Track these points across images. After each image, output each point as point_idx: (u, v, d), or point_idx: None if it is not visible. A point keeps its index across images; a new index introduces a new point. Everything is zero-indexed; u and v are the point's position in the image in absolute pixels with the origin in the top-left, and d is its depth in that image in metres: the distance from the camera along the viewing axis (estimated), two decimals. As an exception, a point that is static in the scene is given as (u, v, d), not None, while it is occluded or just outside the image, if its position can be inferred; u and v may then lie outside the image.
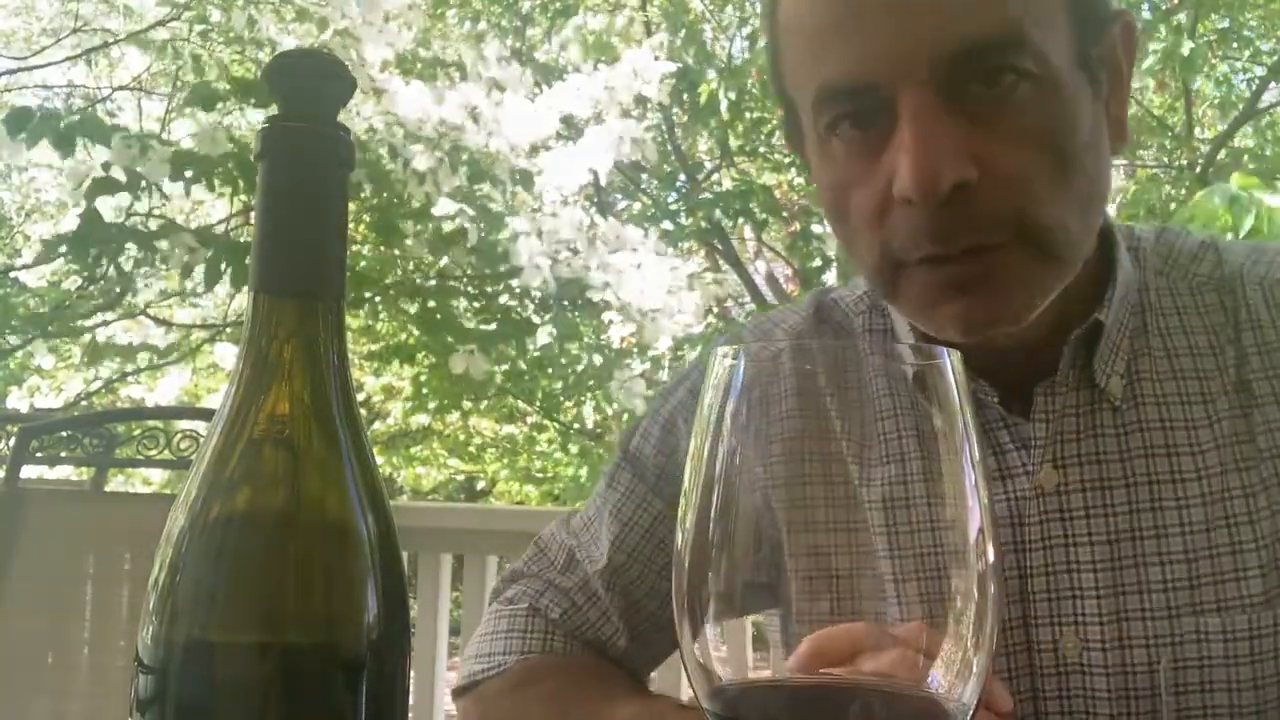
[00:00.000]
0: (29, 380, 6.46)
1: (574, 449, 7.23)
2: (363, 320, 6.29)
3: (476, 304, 5.50)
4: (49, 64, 6.64)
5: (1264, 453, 0.79)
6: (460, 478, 8.25)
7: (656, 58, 5.28)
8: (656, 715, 0.81)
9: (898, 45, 0.70)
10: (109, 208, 4.37)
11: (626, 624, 0.98)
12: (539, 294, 5.23)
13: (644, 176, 7.05)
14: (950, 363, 0.46)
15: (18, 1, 7.30)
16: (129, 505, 2.22)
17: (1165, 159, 6.95)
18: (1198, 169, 6.23)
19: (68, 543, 1.86)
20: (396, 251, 5.32)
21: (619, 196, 7.44)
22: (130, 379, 6.51)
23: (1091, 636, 0.80)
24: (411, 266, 5.57)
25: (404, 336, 6.23)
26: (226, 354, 6.04)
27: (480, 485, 8.19)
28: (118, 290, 5.44)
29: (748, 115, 6.53)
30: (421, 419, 7.09)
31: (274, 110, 0.48)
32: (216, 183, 4.27)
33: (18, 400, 6.30)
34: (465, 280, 5.44)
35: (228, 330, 5.76)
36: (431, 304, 5.43)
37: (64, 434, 2.09)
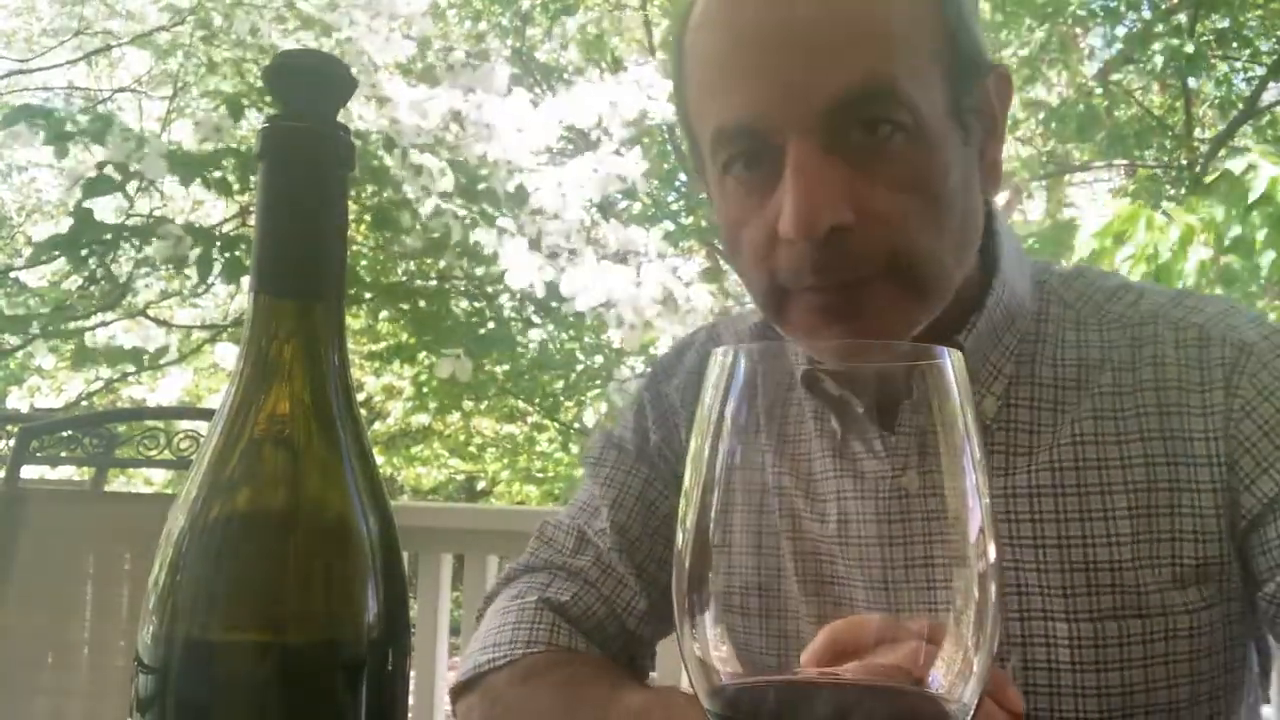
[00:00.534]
0: (29, 380, 6.46)
1: (574, 449, 7.24)
2: (363, 320, 6.29)
3: (475, 304, 5.50)
4: (51, 66, 6.64)
5: (1134, 483, 0.83)
6: (460, 478, 8.25)
7: (665, 75, 5.30)
8: (665, 702, 0.81)
9: (784, 97, 0.77)
10: (110, 210, 4.36)
11: (643, 585, 1.00)
12: (528, 301, 5.24)
13: (643, 176, 7.05)
14: (950, 363, 0.46)
15: (19, 2, 7.30)
16: (129, 505, 2.22)
17: (1165, 159, 6.94)
18: (1197, 169, 6.22)
19: (68, 543, 1.86)
20: (396, 248, 5.32)
21: (619, 196, 7.44)
22: (131, 379, 6.51)
23: None
24: (408, 267, 5.57)
25: (404, 337, 6.24)
26: (227, 354, 6.04)
27: (480, 485, 8.19)
28: (118, 290, 5.44)
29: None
30: (422, 419, 7.10)
31: (275, 110, 0.48)
32: (217, 180, 4.27)
33: (18, 400, 6.30)
34: (461, 282, 5.45)
35: (228, 330, 5.76)
36: (423, 304, 5.43)
37: (64, 434, 2.09)
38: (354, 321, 6.30)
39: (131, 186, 4.20)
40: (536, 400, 6.93)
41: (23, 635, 1.80)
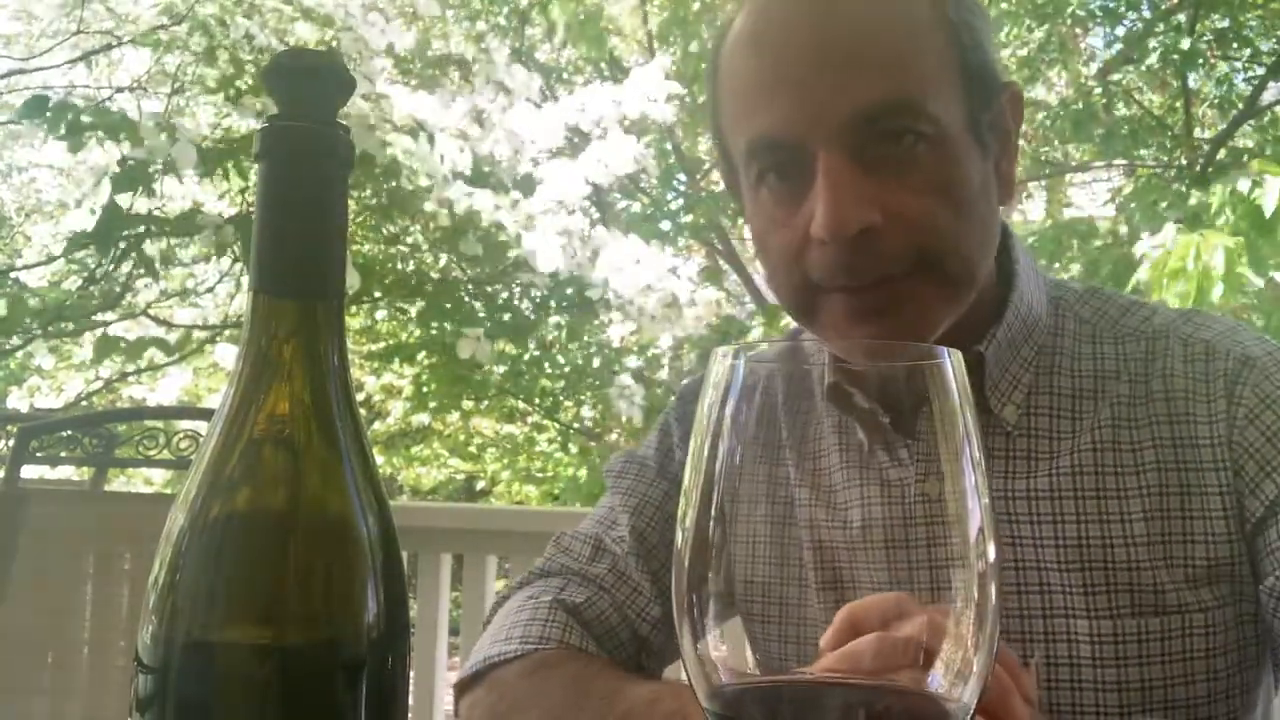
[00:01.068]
0: (29, 380, 6.46)
1: (574, 449, 7.24)
2: (363, 320, 6.29)
3: (480, 299, 5.51)
4: (51, 66, 6.64)
5: (1148, 487, 0.88)
6: (460, 477, 8.25)
7: (668, 77, 5.32)
8: (675, 692, 0.82)
9: (815, 110, 0.83)
10: (120, 205, 4.37)
11: (657, 592, 1.02)
12: (539, 294, 5.24)
13: (643, 176, 7.05)
14: (950, 363, 0.46)
15: (19, 4, 7.30)
16: (129, 505, 2.22)
17: (1165, 159, 6.94)
18: (1198, 169, 6.22)
19: (68, 543, 1.86)
20: (404, 247, 5.33)
21: (619, 196, 7.45)
22: (130, 379, 6.51)
23: None
24: (413, 265, 5.57)
25: (404, 336, 6.24)
26: (227, 354, 6.04)
27: (480, 485, 8.19)
28: (119, 290, 5.44)
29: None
30: (422, 418, 7.09)
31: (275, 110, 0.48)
32: (232, 172, 4.29)
33: (18, 400, 6.30)
34: (467, 277, 5.45)
35: (228, 330, 5.76)
36: (435, 293, 5.44)
37: (64, 434, 2.09)
38: (354, 321, 6.30)
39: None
40: (536, 400, 6.93)
41: (23, 635, 1.80)
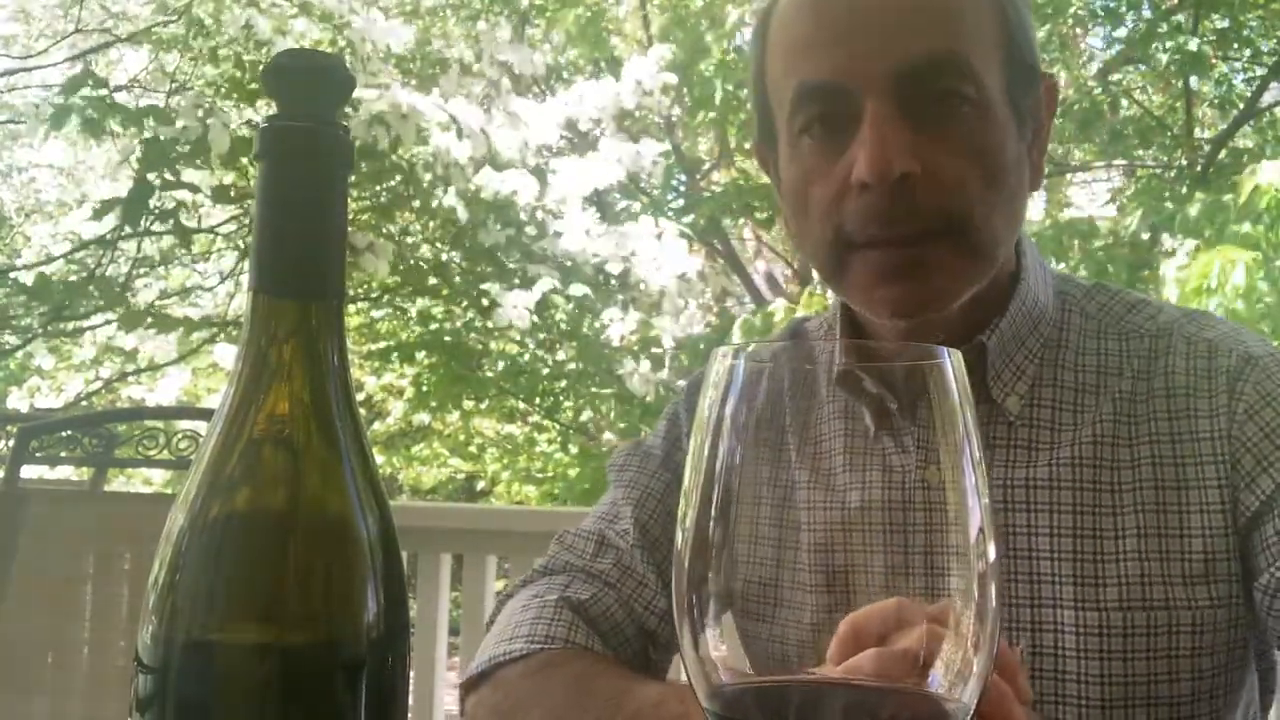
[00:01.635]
0: (29, 380, 6.46)
1: (574, 449, 7.23)
2: (363, 320, 6.28)
3: (498, 285, 5.50)
4: (49, 65, 6.64)
5: (1142, 481, 0.89)
6: (460, 477, 8.25)
7: (661, 68, 5.33)
8: (680, 694, 0.82)
9: (866, 58, 0.86)
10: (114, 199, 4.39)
11: (663, 584, 1.02)
12: (555, 281, 5.25)
13: (643, 176, 7.05)
14: (950, 363, 0.46)
15: (16, 3, 7.30)
16: (129, 505, 2.22)
17: (1165, 159, 6.94)
18: (1198, 169, 6.22)
19: (68, 543, 1.86)
20: (410, 238, 5.33)
21: (619, 196, 7.45)
22: (130, 379, 6.51)
23: None
24: (423, 254, 5.57)
25: (405, 335, 6.23)
26: (227, 354, 6.04)
27: (480, 485, 8.19)
28: (118, 289, 5.44)
29: (743, 113, 6.52)
30: (422, 418, 7.09)
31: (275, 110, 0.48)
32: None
33: (18, 400, 6.30)
34: (486, 264, 5.45)
35: (228, 331, 5.76)
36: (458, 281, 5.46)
37: (64, 434, 2.09)
38: (354, 321, 6.30)
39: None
40: (536, 400, 6.93)
41: (23, 635, 1.80)
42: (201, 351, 6.19)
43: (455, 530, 2.54)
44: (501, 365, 6.36)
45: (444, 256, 5.54)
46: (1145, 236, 5.56)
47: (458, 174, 4.75)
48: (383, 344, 6.49)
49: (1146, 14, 6.34)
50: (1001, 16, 0.90)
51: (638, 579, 1.02)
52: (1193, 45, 5.72)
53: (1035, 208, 7.90)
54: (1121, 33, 6.82)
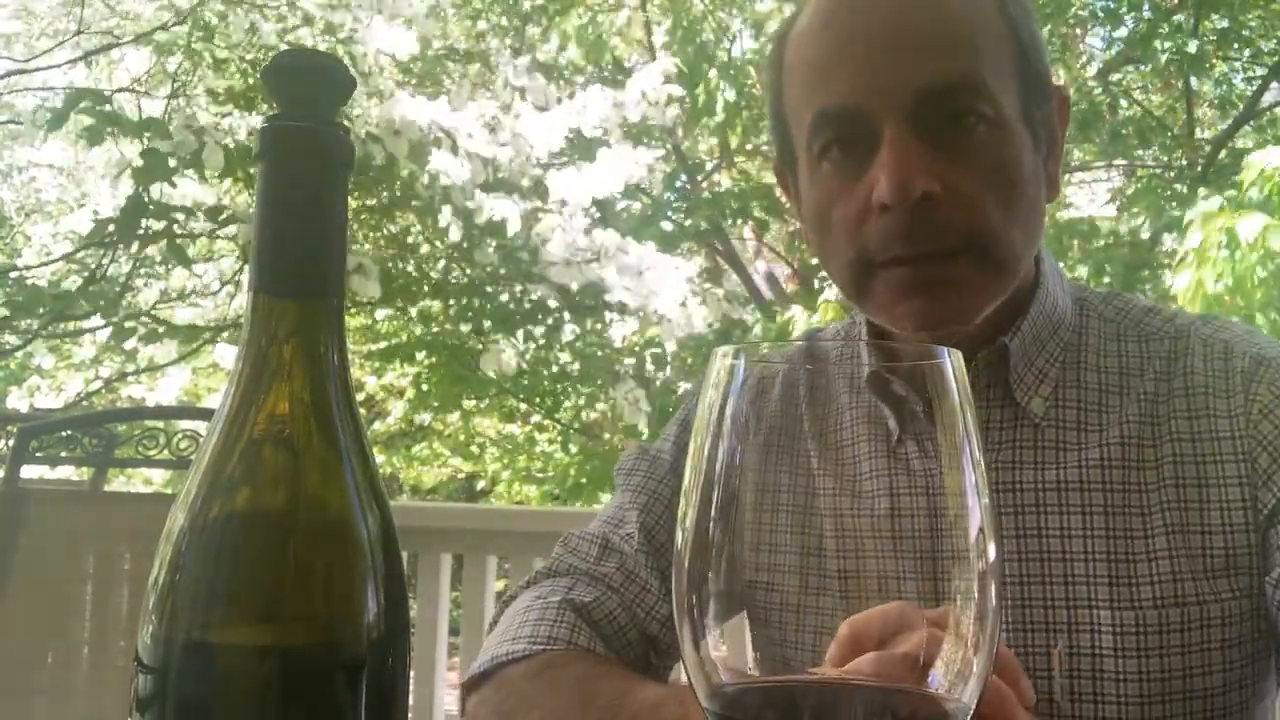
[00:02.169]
0: (29, 380, 6.46)
1: (574, 449, 7.23)
2: (363, 320, 6.28)
3: (492, 305, 5.51)
4: (51, 66, 6.64)
5: (1165, 480, 0.90)
6: (460, 477, 8.25)
7: (666, 80, 5.33)
8: (680, 697, 0.82)
9: (884, 82, 0.87)
10: (114, 208, 4.39)
11: (667, 590, 1.02)
12: (550, 300, 5.25)
13: (645, 183, 7.05)
14: (950, 363, 0.46)
15: (19, 3, 7.30)
16: (129, 505, 2.22)
17: (1165, 159, 6.94)
18: (1198, 169, 6.22)
19: (68, 543, 1.86)
20: (420, 252, 5.32)
21: (619, 196, 7.44)
22: (130, 379, 6.51)
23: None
24: (428, 267, 5.57)
25: (405, 336, 6.23)
26: (227, 354, 6.04)
27: (480, 485, 8.19)
28: (119, 289, 5.44)
29: (745, 114, 6.52)
30: (423, 418, 7.09)
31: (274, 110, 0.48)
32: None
33: (18, 400, 6.30)
34: (482, 280, 5.45)
35: (228, 330, 5.76)
36: (453, 302, 5.46)
37: (64, 434, 2.09)
38: (354, 321, 6.30)
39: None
40: (537, 400, 6.93)
41: (23, 635, 1.80)
42: (202, 351, 6.19)
43: (455, 530, 2.54)
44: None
45: (441, 272, 5.54)
46: (1145, 236, 5.56)
47: (456, 193, 4.75)
48: (383, 344, 6.49)
49: (1146, 14, 6.34)
50: (1014, 34, 0.92)
51: (641, 584, 1.03)
52: (1193, 45, 5.72)
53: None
54: (1121, 33, 6.83)
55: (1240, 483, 0.89)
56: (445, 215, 4.90)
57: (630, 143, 5.35)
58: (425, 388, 6.46)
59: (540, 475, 7.45)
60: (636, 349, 5.86)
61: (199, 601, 0.45)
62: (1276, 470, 0.88)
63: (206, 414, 2.13)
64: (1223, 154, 6.40)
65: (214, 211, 4.61)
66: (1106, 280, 5.38)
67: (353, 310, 5.89)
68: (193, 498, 0.46)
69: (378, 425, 7.20)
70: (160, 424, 2.12)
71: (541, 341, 5.60)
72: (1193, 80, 6.42)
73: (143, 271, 5.77)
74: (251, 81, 5.34)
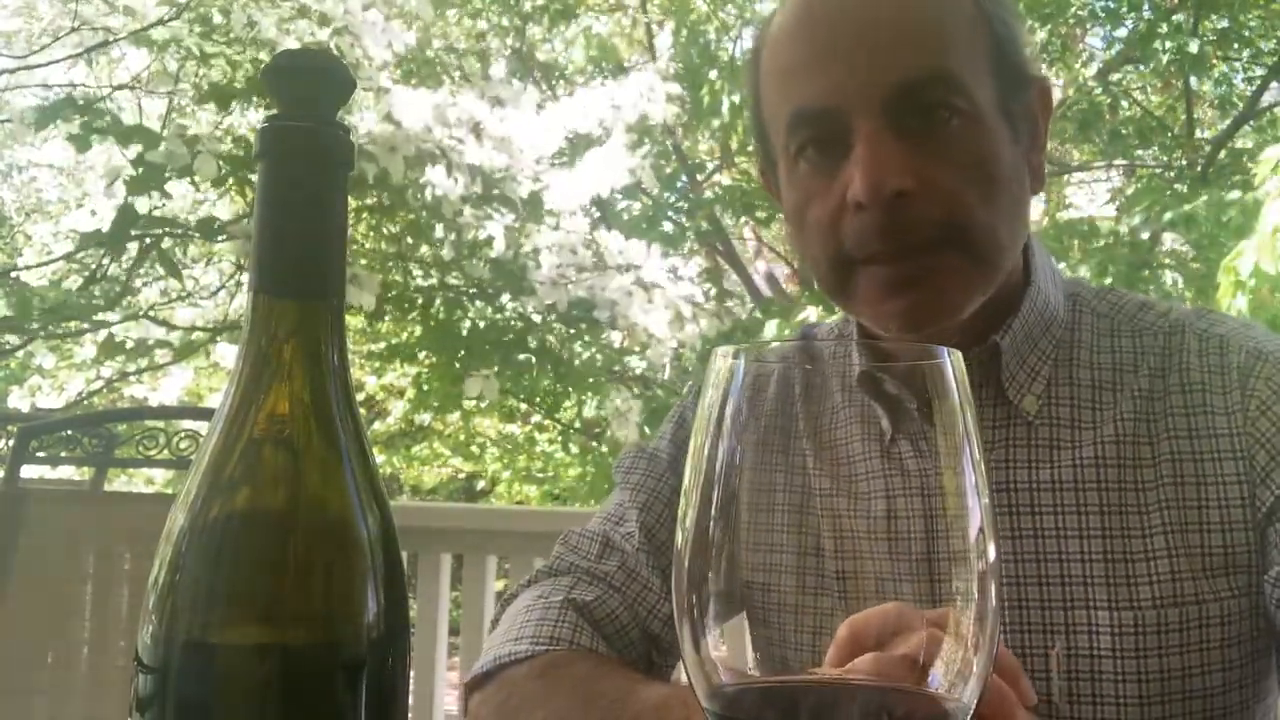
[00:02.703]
0: (30, 380, 6.45)
1: (574, 449, 7.23)
2: (363, 321, 6.28)
3: (481, 323, 5.51)
4: (50, 62, 6.63)
5: (1163, 479, 0.89)
6: (461, 477, 8.25)
7: (665, 78, 5.32)
8: (684, 698, 0.82)
9: (856, 80, 0.87)
10: (111, 208, 4.38)
11: (668, 589, 1.01)
12: (545, 315, 5.25)
13: (643, 180, 7.05)
14: (950, 363, 0.46)
15: (19, 1, 7.30)
16: (129, 505, 2.21)
17: (1165, 159, 6.94)
18: (1198, 169, 6.22)
19: (68, 543, 1.86)
20: (412, 265, 5.32)
21: (619, 196, 7.44)
22: (131, 379, 6.51)
23: None
24: (420, 279, 5.57)
25: (405, 336, 6.23)
26: (227, 354, 6.04)
27: (480, 485, 8.19)
28: (119, 290, 5.44)
29: (746, 114, 6.50)
30: (423, 418, 7.09)
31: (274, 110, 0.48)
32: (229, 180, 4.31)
33: (18, 400, 6.29)
34: (472, 295, 5.45)
35: (228, 330, 5.76)
36: (442, 316, 5.46)
37: (64, 434, 2.09)
38: (354, 321, 6.30)
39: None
40: (537, 400, 6.92)
41: (23, 635, 1.80)
42: (202, 351, 6.19)
43: (455, 530, 2.54)
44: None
45: (435, 286, 5.54)
46: (1145, 236, 5.56)
47: (447, 206, 4.74)
48: (383, 344, 6.49)
49: (1146, 14, 6.33)
50: (989, 28, 0.91)
51: (642, 583, 1.03)
52: (1193, 45, 5.72)
53: (1035, 208, 7.90)
54: (1121, 33, 6.83)
55: (1239, 481, 0.88)
56: (438, 231, 4.90)
57: (629, 138, 5.33)
58: (426, 388, 6.46)
59: (540, 475, 7.44)
60: (636, 350, 5.86)
61: (199, 601, 0.45)
62: (1275, 468, 0.87)
63: (207, 414, 2.13)
64: (1223, 154, 6.40)
65: (205, 223, 4.59)
66: (1108, 281, 5.38)
67: (353, 310, 5.89)
68: (193, 498, 0.46)
69: (378, 425, 7.19)
70: (160, 424, 2.12)
71: (527, 370, 5.58)
72: (1193, 80, 6.41)
73: (142, 272, 5.76)
74: (250, 76, 5.33)
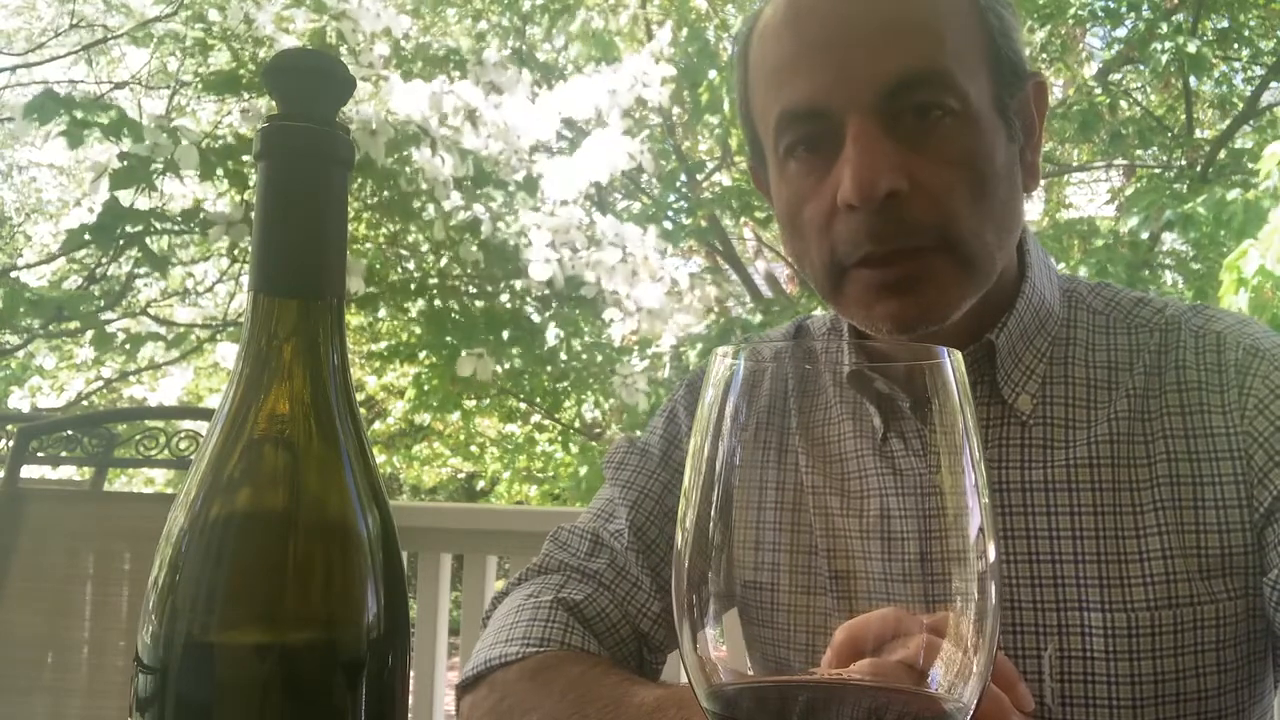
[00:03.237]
0: (30, 380, 6.46)
1: (574, 449, 7.23)
2: (363, 320, 6.28)
3: (479, 303, 5.50)
4: (50, 59, 6.63)
5: (1158, 478, 0.88)
6: (461, 477, 8.25)
7: (657, 61, 5.30)
8: (679, 699, 0.81)
9: (846, 79, 0.85)
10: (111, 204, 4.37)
11: (657, 588, 1.02)
12: (539, 293, 5.24)
13: (644, 176, 7.05)
14: (950, 362, 0.46)
15: (19, 1, 7.30)
16: (129, 505, 2.21)
17: (1165, 159, 6.94)
18: (1198, 169, 6.22)
19: (68, 543, 1.86)
20: (404, 250, 5.30)
21: (619, 195, 7.44)
22: (131, 379, 6.51)
23: None
24: (414, 266, 5.56)
25: (405, 336, 6.23)
26: (227, 354, 6.04)
27: (480, 485, 8.18)
28: (119, 288, 5.44)
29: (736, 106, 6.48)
30: (423, 418, 7.09)
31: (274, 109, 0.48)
32: (234, 173, 4.29)
33: (19, 400, 6.29)
34: (466, 279, 5.44)
35: (228, 330, 5.76)
36: (436, 303, 5.44)
37: (64, 434, 2.09)
38: (354, 321, 6.30)
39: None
40: (537, 400, 6.92)
41: (23, 635, 1.80)
42: (202, 351, 6.19)
43: (455, 530, 2.54)
44: (504, 370, 6.36)
45: (444, 260, 5.52)
46: (1145, 236, 5.56)
47: (440, 191, 4.73)
48: (383, 344, 6.49)
49: (1146, 14, 6.33)
50: (984, 27, 0.89)
51: (631, 581, 1.02)
52: (1193, 45, 5.72)
53: (1035, 208, 7.91)
54: (1121, 33, 6.83)
55: (1236, 480, 0.87)
56: (430, 213, 4.88)
57: (626, 123, 5.31)
58: (426, 389, 6.46)
59: (540, 475, 7.44)
60: (636, 348, 5.86)
61: (199, 601, 0.45)
62: (1272, 468, 0.86)
63: (207, 414, 2.13)
64: (1222, 154, 6.40)
65: (189, 215, 4.58)
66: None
67: (353, 310, 5.89)
68: (193, 498, 0.46)
69: (378, 425, 7.19)
70: (160, 424, 2.12)
71: (517, 351, 5.57)
72: (1192, 80, 6.41)
73: (141, 271, 5.76)
74: (251, 68, 5.32)
